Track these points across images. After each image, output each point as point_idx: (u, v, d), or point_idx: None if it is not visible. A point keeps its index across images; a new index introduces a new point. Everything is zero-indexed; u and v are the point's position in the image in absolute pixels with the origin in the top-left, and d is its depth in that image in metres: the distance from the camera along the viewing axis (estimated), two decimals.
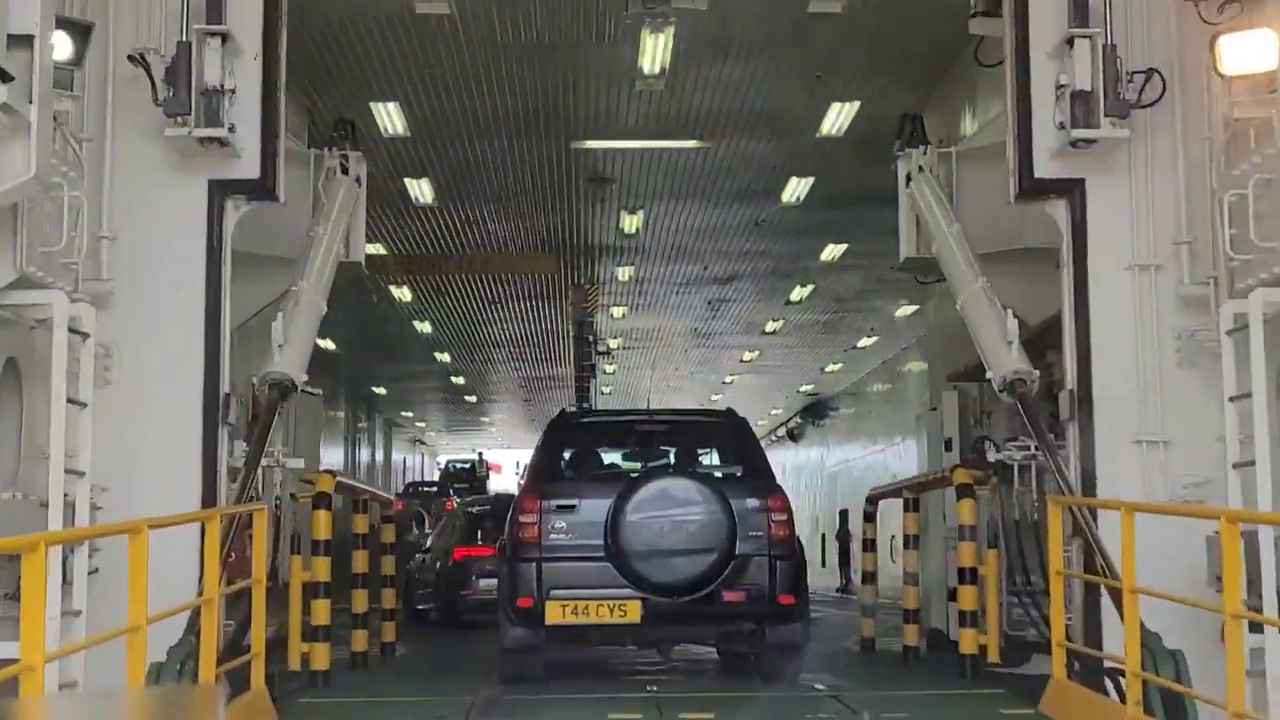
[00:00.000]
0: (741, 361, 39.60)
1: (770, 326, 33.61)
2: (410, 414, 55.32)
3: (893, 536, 38.54)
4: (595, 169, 20.45)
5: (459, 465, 57.21)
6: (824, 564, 50.26)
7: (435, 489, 48.26)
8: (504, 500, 18.09)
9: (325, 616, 10.69)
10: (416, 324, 33.03)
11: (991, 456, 10.59)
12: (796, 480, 56.84)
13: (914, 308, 30.83)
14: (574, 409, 16.20)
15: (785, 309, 31.40)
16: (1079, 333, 9.86)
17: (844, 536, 45.47)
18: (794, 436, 55.18)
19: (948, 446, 15.81)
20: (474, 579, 18.89)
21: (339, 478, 11.78)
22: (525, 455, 66.40)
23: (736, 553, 10.06)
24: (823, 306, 31.16)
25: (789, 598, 10.42)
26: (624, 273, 27.44)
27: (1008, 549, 10.86)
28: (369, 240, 24.89)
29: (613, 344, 36.42)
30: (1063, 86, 9.64)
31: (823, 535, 50.44)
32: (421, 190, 21.26)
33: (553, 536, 10.33)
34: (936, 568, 15.68)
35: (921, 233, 12.66)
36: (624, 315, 32.12)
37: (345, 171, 12.65)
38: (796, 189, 21.43)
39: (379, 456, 53.99)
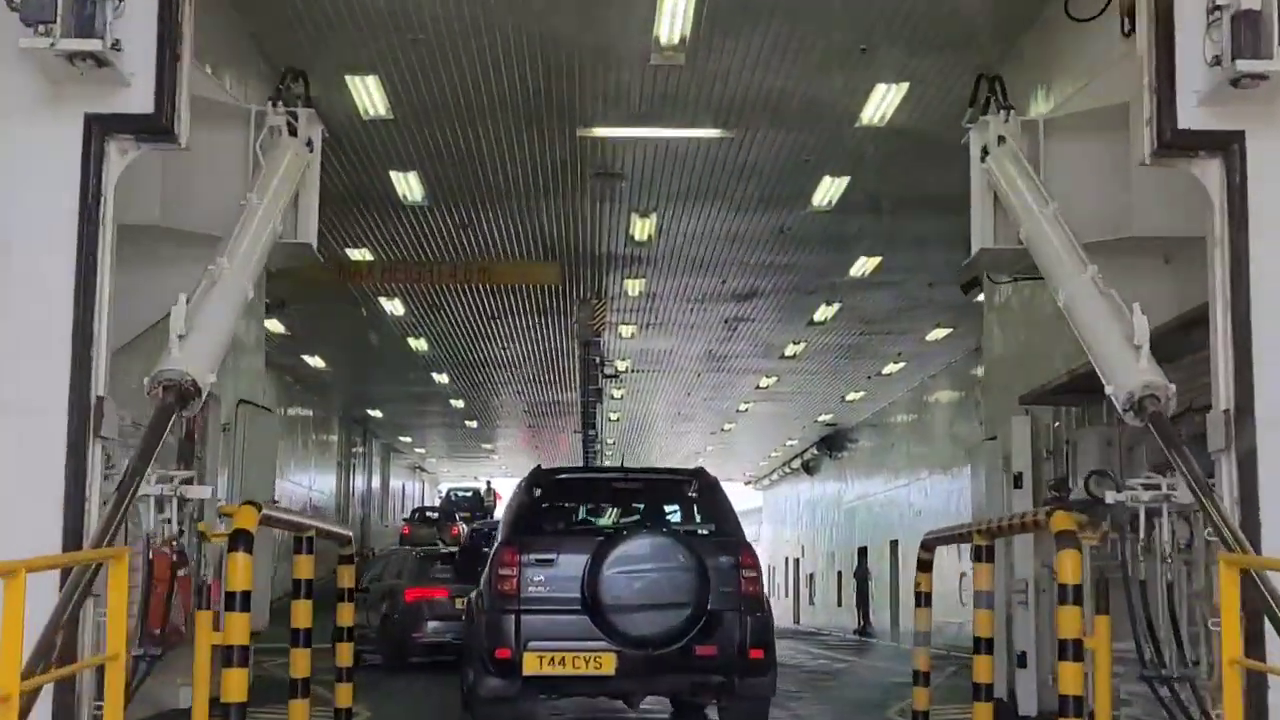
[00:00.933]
0: (758, 388, 37.19)
1: (790, 350, 31.22)
2: (409, 439, 52.95)
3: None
4: (604, 162, 18.12)
5: (461, 494, 54.95)
6: (839, 603, 47.75)
7: (436, 515, 46.59)
8: (482, 534, 16.09)
9: (241, 691, 8.26)
10: (411, 341, 30.69)
11: (1110, 497, 8.15)
12: (811, 515, 54.38)
13: (946, 331, 28.50)
14: (549, 466, 14.94)
15: (807, 330, 29.00)
16: (1237, 334, 7.46)
17: (862, 575, 42.98)
18: (809, 469, 52.76)
19: (1017, 483, 13.31)
20: (424, 622, 18.41)
21: (268, 510, 9.30)
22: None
23: (709, 608, 10.27)
24: (848, 328, 28.76)
25: (759, 651, 10.62)
26: (634, 286, 25.07)
27: (1132, 617, 8.40)
28: (353, 244, 22.70)
29: (621, 367, 34.03)
30: (1220, 7, 7.29)
31: (839, 573, 47.96)
32: (409, 186, 18.94)
33: (531, 589, 10.50)
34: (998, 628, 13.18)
35: (1000, 218, 10.26)
36: (633, 335, 29.74)
37: (294, 133, 10.24)
38: (829, 191, 19.08)
39: (375, 483, 51.59)
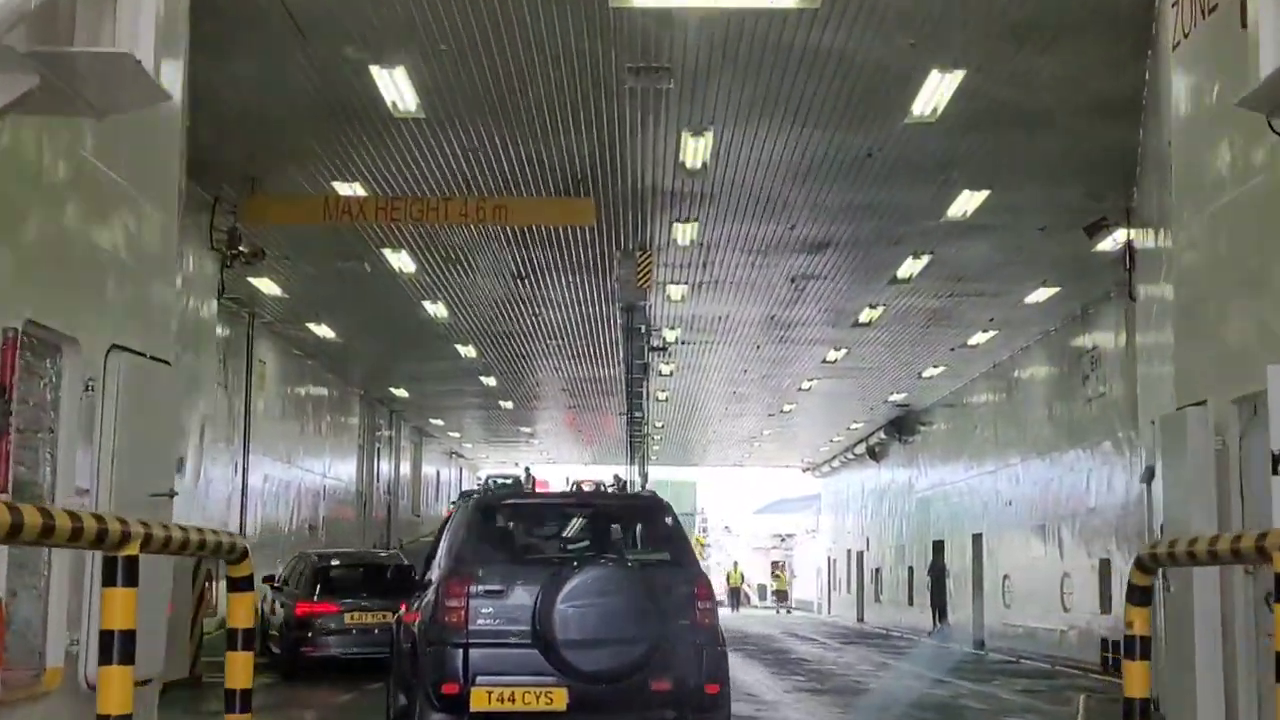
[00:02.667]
0: (824, 363, 32.98)
1: (865, 315, 27.01)
2: (440, 422, 49.04)
3: (1005, 577, 31.79)
4: (643, 50, 14.01)
5: (500, 481, 51.36)
6: (910, 601, 43.51)
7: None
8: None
9: None
10: (428, 306, 26.69)
11: None
12: (877, 505, 50.12)
13: (1051, 292, 24.27)
14: (494, 490, 16.55)
15: (887, 291, 24.80)
16: None
17: (938, 572, 38.72)
18: (874, 455, 48.51)
19: (1276, 466, 9.06)
20: (313, 636, 18.71)
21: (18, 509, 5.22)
22: (573, 471, 60.30)
23: (665, 642, 9.96)
24: (936, 288, 24.53)
25: (714, 686, 10.26)
26: (685, 233, 20.96)
27: None
28: (341, 175, 18.74)
29: (669, 337, 29.94)
30: None
31: (909, 569, 43.73)
32: (398, 88, 14.89)
33: (479, 621, 10.14)
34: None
35: None
36: (684, 297, 25.63)
37: None
38: (936, 92, 14.90)
39: (405, 469, 47.76)
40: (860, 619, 52.53)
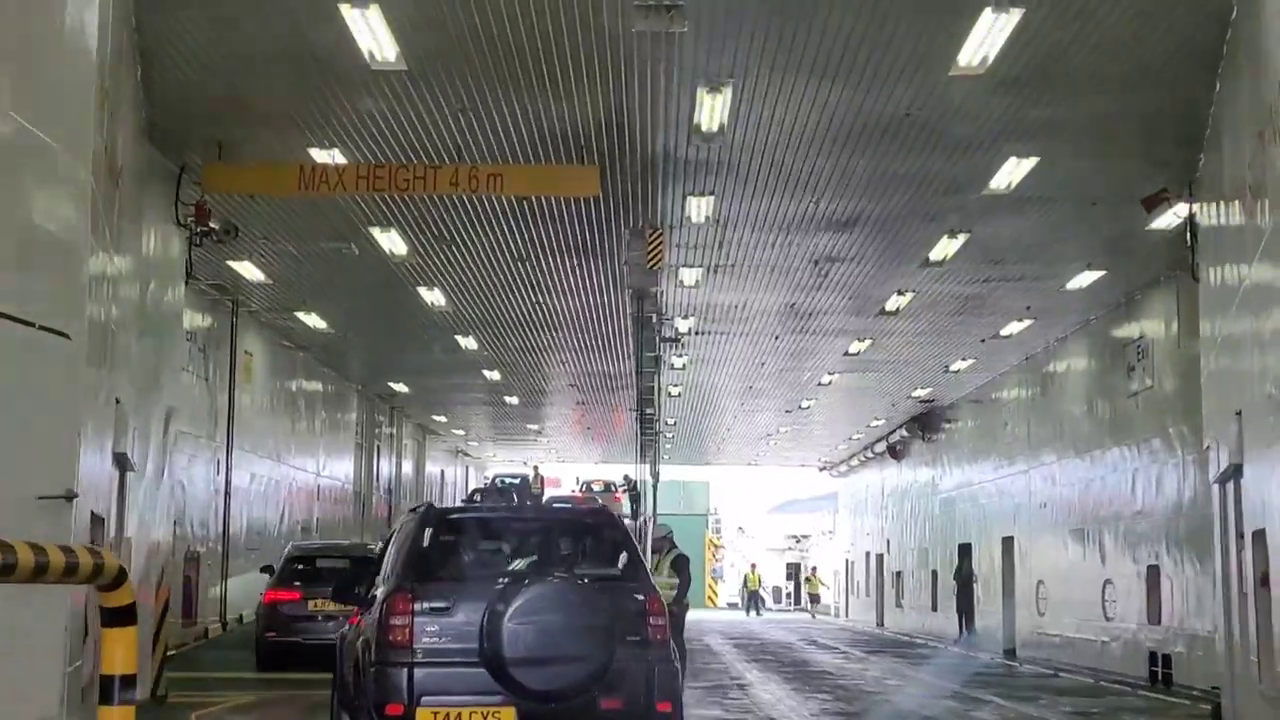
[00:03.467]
0: (846, 355, 31.09)
1: (893, 303, 25.14)
2: (444, 418, 47.23)
3: (1039, 582, 29.87)
4: None
5: (507, 480, 49.69)
6: (934, 607, 41.62)
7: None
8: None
9: None
10: (424, 293, 24.86)
11: None
12: (898, 506, 48.21)
13: (1095, 275, 22.45)
14: (444, 505, 15.20)
15: (919, 275, 22.94)
16: None
17: (965, 576, 36.84)
18: (896, 453, 46.68)
19: None
20: (277, 623, 19.55)
21: None
22: (582, 471, 58.46)
23: (616, 659, 9.68)
24: (971, 271, 22.66)
25: (666, 704, 10.00)
26: (699, 208, 19.12)
27: None
28: (320, 143, 16.93)
29: (682, 327, 28.07)
30: None
31: (933, 572, 41.84)
32: (374, 33, 13.05)
33: (425, 640, 9.86)
34: None
35: None
36: (697, 282, 23.76)
37: None
38: (987, 38, 13.00)
39: (408, 468, 45.97)
40: (879, 624, 50.66)
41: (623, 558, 10.96)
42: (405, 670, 9.87)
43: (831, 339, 29.42)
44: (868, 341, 29.37)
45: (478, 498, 41.86)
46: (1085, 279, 22.85)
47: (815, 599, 66.94)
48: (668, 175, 17.69)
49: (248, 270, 22.88)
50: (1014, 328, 27.31)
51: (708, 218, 19.56)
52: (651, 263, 20.28)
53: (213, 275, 23.41)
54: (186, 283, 18.23)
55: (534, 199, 18.91)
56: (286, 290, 24.84)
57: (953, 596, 37.80)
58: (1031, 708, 18.79)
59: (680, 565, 19.68)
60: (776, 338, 29.32)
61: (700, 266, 22.67)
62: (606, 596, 10.02)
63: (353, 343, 30.96)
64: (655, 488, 31.63)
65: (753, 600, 65.46)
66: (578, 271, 23.23)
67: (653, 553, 21.20)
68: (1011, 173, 17.31)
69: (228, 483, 25.79)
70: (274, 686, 19.12)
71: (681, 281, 23.66)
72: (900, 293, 24.37)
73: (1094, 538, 26.51)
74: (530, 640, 9.65)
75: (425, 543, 10.72)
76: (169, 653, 21.47)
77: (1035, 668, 27.32)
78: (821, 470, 62.02)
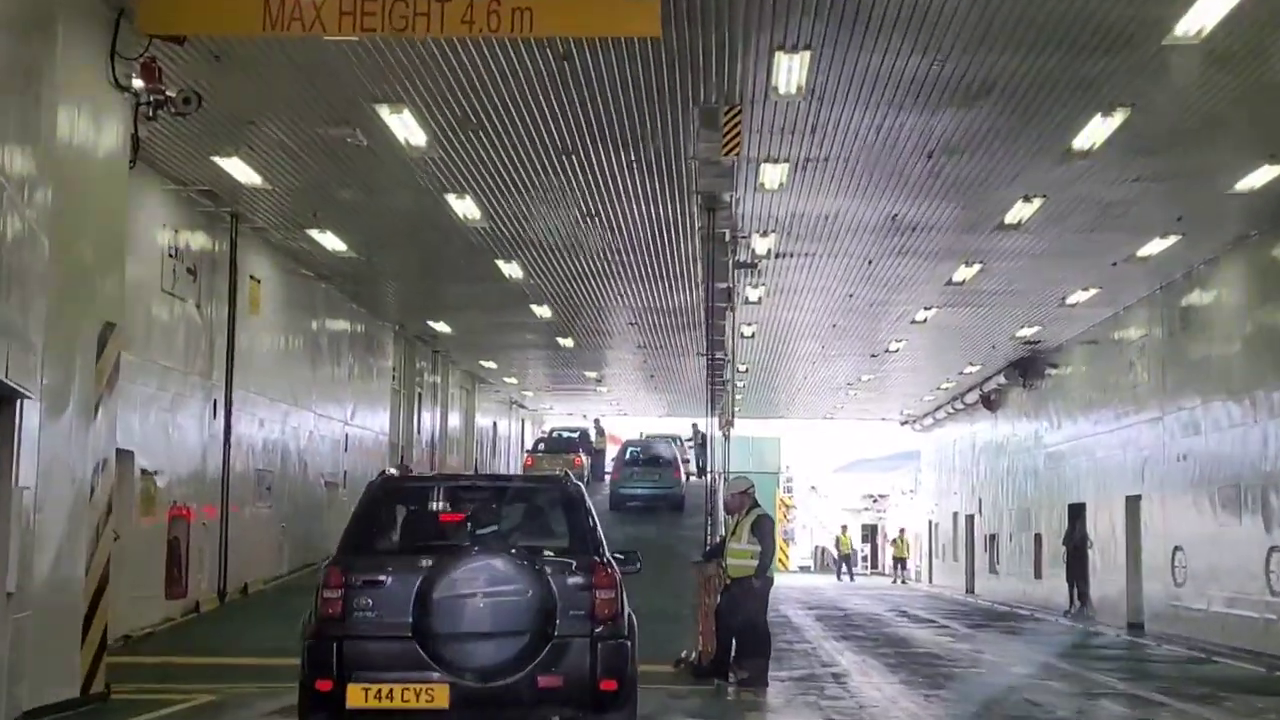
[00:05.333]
0: (948, 285, 26.79)
1: (1016, 212, 20.86)
2: (493, 365, 43.27)
3: (1176, 548, 25.51)
4: None
5: (565, 434, 46.34)
6: (1038, 574, 37.31)
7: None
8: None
9: None
10: (454, 202, 20.83)
11: None
12: (992, 462, 43.76)
13: (1277, 170, 18.09)
14: (396, 472, 13.67)
15: (1054, 172, 18.68)
16: None
17: (1078, 540, 32.46)
18: (990, 403, 42.30)
19: None
20: None
21: None
22: (646, 425, 54.43)
23: (556, 634, 9.51)
24: (1119, 165, 18.39)
25: (610, 683, 9.60)
26: (791, 71, 14.92)
27: None
28: None
29: (760, 248, 23.90)
30: None
31: (1036, 536, 37.51)
32: None
33: (357, 614, 9.63)
34: None
35: None
36: (782, 184, 19.56)
37: None
38: None
39: (455, 420, 42.20)
40: (969, 591, 46.42)
41: (574, 529, 10.54)
42: (335, 645, 9.59)
43: (934, 263, 25.12)
44: (976, 267, 25.06)
45: (541, 448, 38.92)
46: (1261, 176, 18.47)
47: (902, 563, 62.75)
48: (750, 19, 13.52)
49: (239, 170, 18.95)
50: (1154, 246, 22.94)
51: (799, 87, 15.34)
52: (728, 147, 16.14)
53: (200, 177, 19.52)
54: (132, 165, 14.23)
55: (578, 67, 14.87)
56: (291, 199, 20.89)
57: (1061, 563, 33.49)
58: (1220, 715, 14.59)
59: (763, 529, 15.64)
60: (870, 262, 25.06)
61: (786, 161, 18.45)
62: (550, 567, 9.71)
63: (380, 270, 26.96)
64: (727, 442, 27.57)
65: (845, 564, 61.59)
66: (634, 171, 19.11)
67: (726, 513, 17.21)
68: (1205, 14, 13.02)
69: (228, 429, 21.94)
70: (255, 677, 15.32)
71: (762, 184, 19.47)
72: (1027, 198, 20.07)
73: (1253, 497, 22.16)
74: (461, 615, 9.41)
75: (371, 513, 10.61)
76: (131, 636, 17.85)
77: (1174, 648, 23.09)
78: (903, 424, 57.68)
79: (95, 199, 13.35)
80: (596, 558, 10.13)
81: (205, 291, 21.35)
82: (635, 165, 18.76)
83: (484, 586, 9.41)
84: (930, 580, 56.12)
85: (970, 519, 47.51)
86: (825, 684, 16.48)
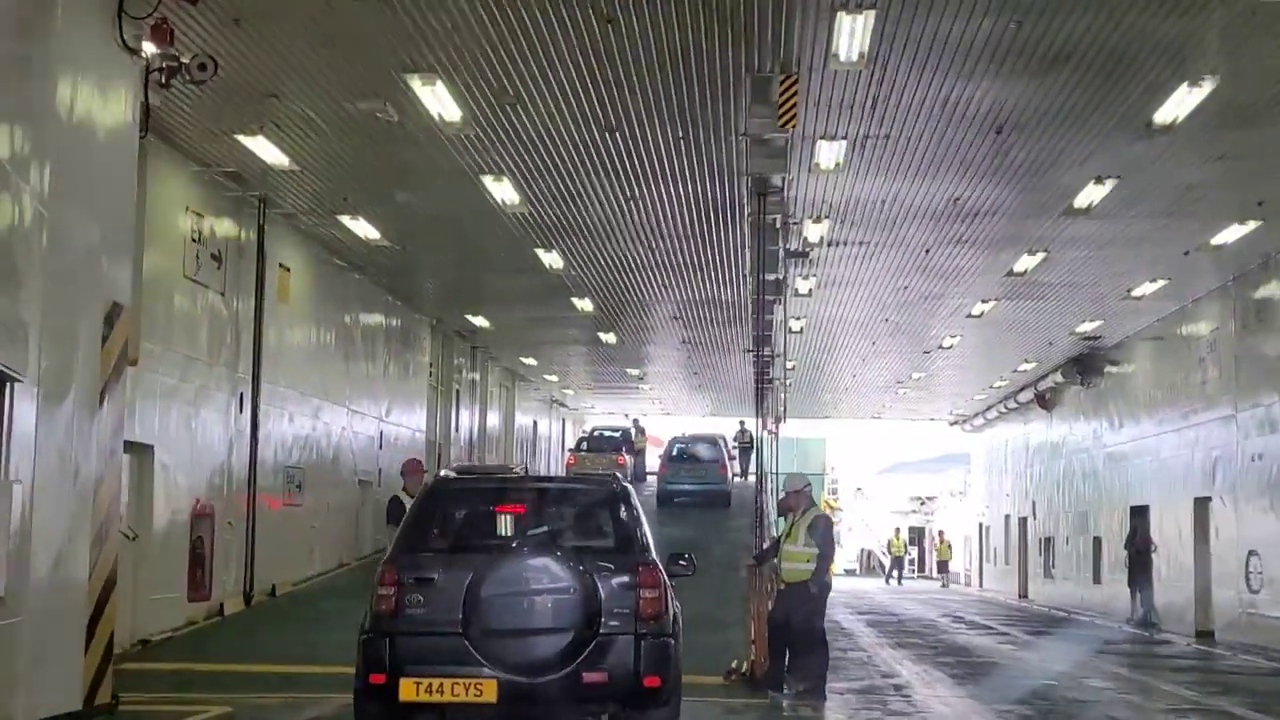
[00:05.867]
0: (1009, 275, 25.55)
1: (1086, 195, 19.65)
2: (534, 361, 42.24)
3: (1250, 553, 24.23)
4: None
5: (607, 434, 45.21)
6: (1096, 579, 35.98)
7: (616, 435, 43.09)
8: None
9: None
10: (491, 185, 19.77)
11: None
12: (1047, 463, 42.39)
13: None
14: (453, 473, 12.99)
15: (1131, 150, 17.46)
16: None
17: (1141, 544, 31.14)
18: (1045, 402, 40.98)
19: None
20: None
21: None
22: (689, 424, 53.27)
23: (601, 632, 9.70)
24: (1203, 142, 17.14)
25: (654, 680, 9.79)
26: (853, 34, 13.77)
27: None
28: None
29: (813, 235, 22.74)
30: None
31: (1095, 539, 36.19)
32: None
33: (409, 610, 9.90)
34: None
35: None
36: (838, 164, 18.39)
37: None
38: None
39: (494, 419, 41.21)
40: (1022, 595, 45.10)
41: (621, 528, 10.72)
42: (388, 640, 9.86)
43: (994, 253, 23.90)
44: (1039, 256, 23.80)
45: (584, 447, 38.97)
46: None
47: (944, 566, 61.49)
48: None
49: (264, 150, 17.95)
50: (1231, 234, 21.67)
51: (861, 54, 14.19)
52: (784, 119, 14.98)
53: (224, 157, 18.56)
54: (143, 135, 13.23)
55: (622, 31, 13.83)
56: (320, 181, 19.89)
57: (1123, 568, 32.16)
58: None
59: (821, 530, 14.52)
60: (927, 251, 23.86)
61: (843, 139, 17.31)
62: (596, 566, 9.87)
63: (415, 260, 25.92)
64: (775, 440, 26.45)
65: (896, 567, 60.35)
66: (681, 150, 18.00)
67: (780, 513, 16.10)
68: None
69: (255, 424, 20.97)
70: (277, 686, 14.32)
71: (817, 164, 18.32)
72: (1099, 179, 18.84)
73: None
74: (509, 612, 9.61)
75: (424, 512, 10.84)
76: (149, 640, 16.89)
77: (1252, 658, 21.85)
78: (953, 425, 56.33)
79: (101, 172, 12.35)
80: (642, 557, 10.30)
81: (231, 280, 20.39)
82: (683, 143, 17.65)
83: (531, 585, 9.63)
84: (980, 584, 54.77)
85: (1023, 522, 46.17)
86: (887, 697, 15.35)
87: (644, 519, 10.88)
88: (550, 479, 14.84)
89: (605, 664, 9.69)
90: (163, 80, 13.09)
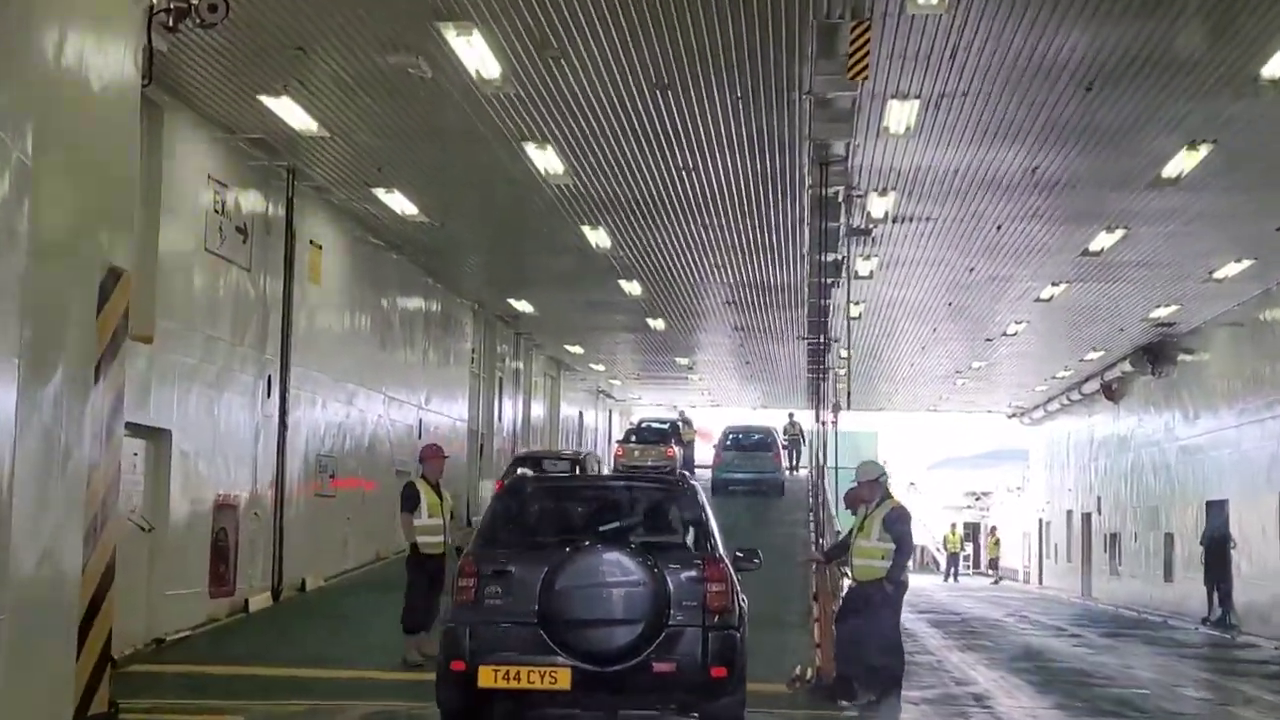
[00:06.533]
0: (1085, 254, 23.98)
1: (1177, 164, 18.09)
2: (580, 350, 40.93)
3: None
4: None
5: (656, 425, 43.91)
6: (1168, 577, 34.35)
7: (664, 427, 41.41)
8: None
9: None
10: (533, 153, 18.44)
11: None
12: (1115, 456, 40.66)
13: None
14: (530, 472, 14.40)
15: (1233, 108, 15.91)
16: None
17: (1219, 541, 29.46)
18: (1111, 393, 39.31)
19: None
20: None
21: None
22: (739, 417, 51.93)
23: (670, 623, 10.07)
24: None
25: (721, 670, 10.13)
26: None
27: None
28: None
29: (877, 210, 21.28)
30: None
31: (1167, 535, 34.54)
32: None
33: (488, 601, 10.38)
34: None
35: None
36: (909, 127, 16.90)
37: None
38: None
39: (539, 410, 39.96)
40: (1086, 594, 43.44)
41: (689, 524, 11.16)
42: (468, 629, 10.23)
43: (1071, 229, 22.38)
44: (1119, 232, 22.25)
45: (633, 439, 38.12)
46: None
47: (995, 563, 59.84)
48: None
49: (290, 113, 16.71)
50: None
51: None
52: (854, 70, 13.56)
53: (249, 123, 17.34)
54: (146, 83, 11.95)
55: None
56: (351, 149, 18.63)
57: (1198, 565, 30.53)
58: None
59: (898, 524, 13.10)
60: (999, 227, 22.36)
61: (916, 98, 15.86)
62: (665, 561, 10.16)
63: (455, 238, 24.62)
64: (835, 428, 25.05)
65: (953, 563, 58.80)
66: (739, 112, 16.60)
67: (848, 506, 14.73)
68: None
69: (284, 409, 19.76)
70: (300, 691, 13.07)
71: (886, 127, 16.88)
72: (1193, 144, 17.31)
73: None
74: (582, 604, 9.92)
75: (503, 508, 11.33)
76: (164, 640, 15.63)
77: None
78: (1011, 418, 54.67)
79: (98, 124, 11.07)
80: (709, 552, 10.65)
81: (258, 256, 19.17)
82: (741, 104, 16.25)
83: (603, 578, 9.97)
84: (1040, 582, 53.10)
85: (1086, 517, 44.51)
86: (967, 708, 13.96)
87: (711, 515, 11.23)
88: (620, 477, 14.65)
89: (674, 654, 10.01)
90: (169, 23, 11.83)
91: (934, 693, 15.07)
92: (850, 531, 13.93)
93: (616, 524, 11.25)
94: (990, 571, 60.07)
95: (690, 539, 11.03)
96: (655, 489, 12.28)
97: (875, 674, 13.17)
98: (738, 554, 11.23)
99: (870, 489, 13.46)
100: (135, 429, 15.63)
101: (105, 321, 11.04)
